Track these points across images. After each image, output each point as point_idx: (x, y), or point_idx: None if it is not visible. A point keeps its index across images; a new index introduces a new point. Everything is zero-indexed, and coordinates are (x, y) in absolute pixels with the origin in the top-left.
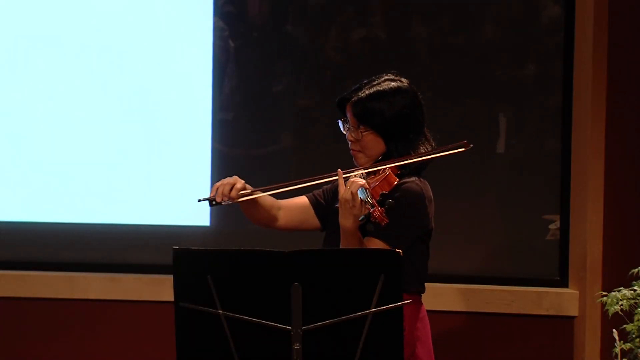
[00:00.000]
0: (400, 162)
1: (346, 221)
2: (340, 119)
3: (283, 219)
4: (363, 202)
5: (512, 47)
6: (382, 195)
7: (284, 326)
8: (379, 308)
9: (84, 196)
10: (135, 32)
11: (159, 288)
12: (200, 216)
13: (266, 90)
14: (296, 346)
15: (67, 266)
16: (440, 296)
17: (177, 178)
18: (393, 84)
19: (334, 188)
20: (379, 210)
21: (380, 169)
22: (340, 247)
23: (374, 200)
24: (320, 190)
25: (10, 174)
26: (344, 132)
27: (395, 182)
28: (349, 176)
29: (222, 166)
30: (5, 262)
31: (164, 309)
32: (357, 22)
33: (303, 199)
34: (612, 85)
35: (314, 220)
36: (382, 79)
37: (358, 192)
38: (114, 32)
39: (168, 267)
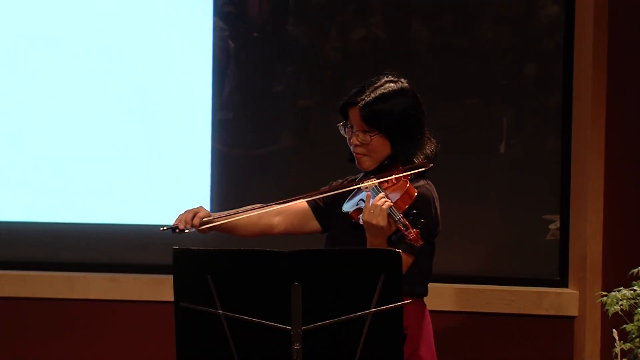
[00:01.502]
0: (399, 174)
1: (376, 240)
2: (341, 123)
3: (282, 224)
4: (393, 222)
5: (512, 47)
6: (410, 213)
7: (284, 326)
8: (379, 308)
9: (84, 196)
10: (135, 32)
11: (159, 288)
12: None
13: (266, 90)
14: (296, 346)
15: (67, 266)
16: (440, 296)
17: (177, 178)
18: (396, 85)
19: (330, 189)
20: (413, 232)
21: (391, 178)
22: None
23: (404, 220)
24: (319, 192)
25: (10, 174)
26: (345, 136)
27: (415, 194)
28: (359, 187)
29: (222, 166)
30: (5, 262)
31: (164, 309)
32: (357, 22)
33: (302, 203)
34: (612, 85)
35: (314, 223)
36: (383, 80)
37: (388, 213)
38: (114, 32)
39: (168, 267)
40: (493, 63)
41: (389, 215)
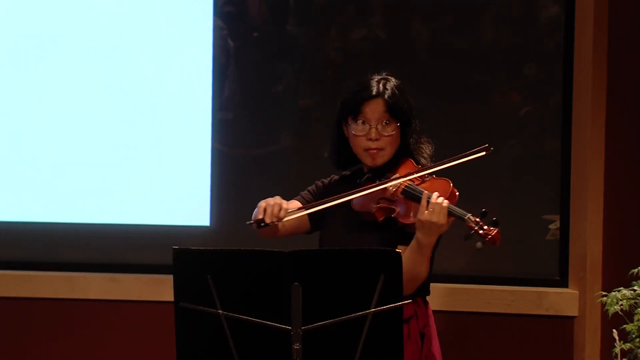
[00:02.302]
0: (432, 169)
1: (429, 238)
2: (354, 120)
3: (282, 227)
4: (460, 221)
5: (512, 47)
6: (480, 211)
7: (284, 326)
8: (379, 308)
9: (84, 196)
10: (135, 32)
11: (159, 288)
12: (200, 216)
13: (266, 90)
14: (296, 346)
15: (67, 266)
16: (440, 296)
17: (177, 178)
18: (395, 81)
19: (318, 190)
20: (494, 230)
21: (415, 177)
22: (414, 259)
23: (475, 218)
24: (307, 192)
25: (10, 174)
26: (357, 135)
27: (457, 194)
28: (390, 185)
29: (222, 166)
30: (5, 262)
31: (164, 309)
32: (357, 22)
33: (296, 204)
34: (612, 85)
35: (307, 224)
36: (380, 77)
37: (448, 211)
38: (114, 32)
39: (168, 267)
40: (493, 63)
41: (451, 214)
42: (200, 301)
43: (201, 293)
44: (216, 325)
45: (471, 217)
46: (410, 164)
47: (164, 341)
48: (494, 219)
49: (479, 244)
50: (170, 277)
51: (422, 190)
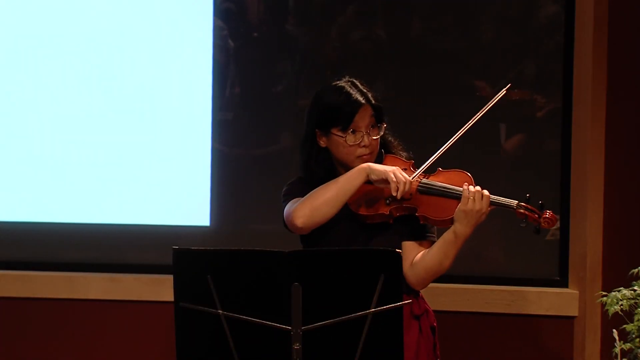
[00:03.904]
0: (451, 140)
1: (470, 229)
2: (349, 131)
3: None
4: (510, 208)
5: (512, 47)
6: (527, 199)
7: (284, 326)
8: (379, 308)
9: (84, 196)
10: (135, 32)
11: (159, 288)
12: (200, 216)
13: (266, 90)
14: (296, 346)
15: (67, 266)
16: (440, 296)
17: (177, 178)
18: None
19: (306, 185)
20: (549, 212)
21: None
22: (445, 252)
23: (525, 204)
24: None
25: (10, 174)
26: (350, 145)
27: None
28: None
29: (222, 166)
30: (5, 262)
31: (164, 309)
32: (357, 22)
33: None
34: (612, 85)
35: None
36: (347, 80)
37: (490, 201)
38: (114, 32)
39: (168, 267)
40: (493, 63)
41: (495, 203)
42: (200, 301)
43: (201, 293)
44: (216, 325)
45: (521, 204)
46: (394, 158)
47: (164, 341)
48: (540, 202)
49: (538, 229)
50: (170, 277)
51: (441, 183)
